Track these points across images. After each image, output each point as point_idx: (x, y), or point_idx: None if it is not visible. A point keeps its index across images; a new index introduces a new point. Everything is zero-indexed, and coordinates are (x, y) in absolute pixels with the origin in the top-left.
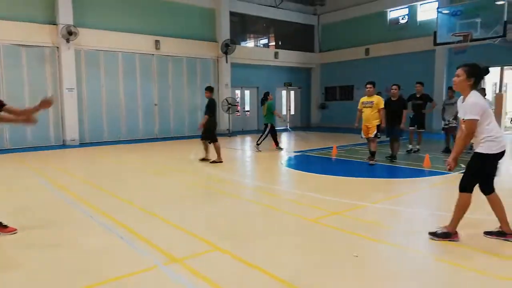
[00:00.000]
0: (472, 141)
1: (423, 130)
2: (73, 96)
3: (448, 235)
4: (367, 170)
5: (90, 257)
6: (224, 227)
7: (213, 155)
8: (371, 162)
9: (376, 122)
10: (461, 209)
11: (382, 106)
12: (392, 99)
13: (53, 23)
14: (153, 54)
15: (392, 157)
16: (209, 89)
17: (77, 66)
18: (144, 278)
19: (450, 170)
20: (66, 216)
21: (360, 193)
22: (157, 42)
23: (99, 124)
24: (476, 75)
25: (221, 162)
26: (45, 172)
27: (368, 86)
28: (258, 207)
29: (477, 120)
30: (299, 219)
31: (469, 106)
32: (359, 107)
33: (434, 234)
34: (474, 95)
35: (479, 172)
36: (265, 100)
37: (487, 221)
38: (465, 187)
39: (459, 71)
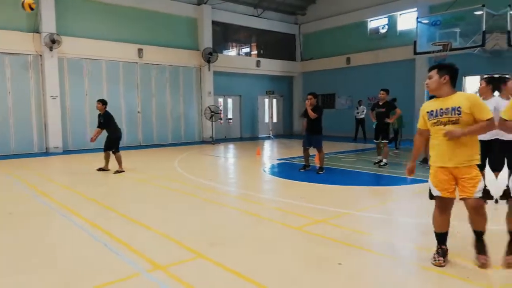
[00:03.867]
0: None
1: (386, 141)
2: (57, 103)
3: None
4: (351, 178)
5: (73, 265)
6: (208, 234)
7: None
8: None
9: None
10: None
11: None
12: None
13: (37, 31)
14: (136, 62)
15: (319, 169)
16: (104, 102)
17: (60, 74)
18: (128, 285)
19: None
20: (48, 222)
21: (344, 201)
22: (140, 50)
23: (82, 132)
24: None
25: (123, 171)
26: (27, 179)
27: (432, 73)
28: (242, 215)
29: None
30: (284, 227)
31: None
32: (421, 126)
33: None
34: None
35: None
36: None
37: None
38: None
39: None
